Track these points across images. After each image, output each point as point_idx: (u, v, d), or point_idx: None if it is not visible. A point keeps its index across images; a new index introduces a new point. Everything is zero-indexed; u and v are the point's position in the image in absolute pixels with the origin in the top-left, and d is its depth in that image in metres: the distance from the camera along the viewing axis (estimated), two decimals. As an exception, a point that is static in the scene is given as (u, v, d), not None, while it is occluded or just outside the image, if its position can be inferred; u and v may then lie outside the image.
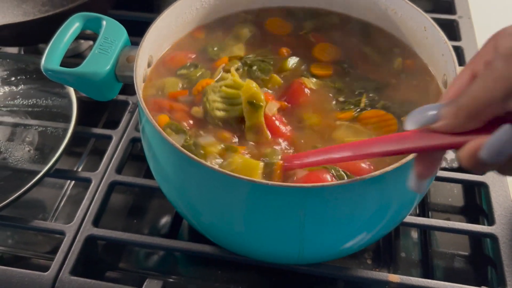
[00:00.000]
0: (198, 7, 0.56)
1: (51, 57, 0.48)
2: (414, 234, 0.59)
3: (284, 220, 0.41)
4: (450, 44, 0.48)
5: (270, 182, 0.38)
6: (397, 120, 0.48)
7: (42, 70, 0.47)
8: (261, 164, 0.43)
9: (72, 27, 0.50)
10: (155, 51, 0.52)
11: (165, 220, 0.61)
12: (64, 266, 0.51)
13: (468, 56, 0.72)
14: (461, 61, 0.72)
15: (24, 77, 0.67)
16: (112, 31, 0.50)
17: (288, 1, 0.60)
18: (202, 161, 0.39)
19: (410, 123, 0.33)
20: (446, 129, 0.32)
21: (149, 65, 0.51)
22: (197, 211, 0.46)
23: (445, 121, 0.31)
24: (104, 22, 0.51)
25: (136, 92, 0.44)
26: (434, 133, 0.33)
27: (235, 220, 0.44)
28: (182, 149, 0.39)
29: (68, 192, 0.65)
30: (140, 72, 0.47)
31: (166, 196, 0.50)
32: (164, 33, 0.53)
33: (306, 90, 0.50)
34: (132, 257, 0.58)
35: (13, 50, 0.81)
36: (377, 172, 0.38)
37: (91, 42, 0.84)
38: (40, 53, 0.81)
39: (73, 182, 0.65)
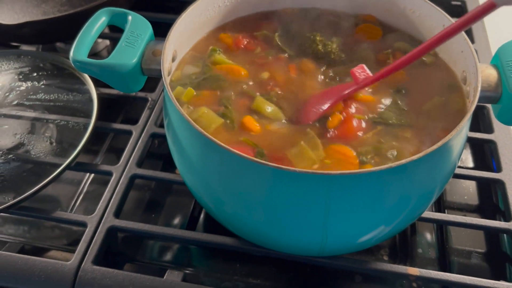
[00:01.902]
0: (220, 4, 0.57)
1: (79, 49, 0.49)
2: (431, 232, 0.60)
3: (308, 208, 0.41)
4: (469, 40, 0.49)
5: (295, 169, 0.39)
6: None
7: (71, 61, 0.48)
8: (221, 121, 0.47)
9: (99, 21, 0.52)
10: (179, 46, 0.53)
11: (182, 215, 0.61)
12: (87, 255, 0.52)
13: (482, 57, 0.73)
14: (475, 62, 0.74)
15: (45, 73, 0.68)
16: (138, 25, 0.52)
17: (306, 2, 0.62)
18: (227, 146, 0.40)
19: None
20: None
21: (173, 60, 0.52)
22: (220, 200, 0.47)
23: None
24: (130, 17, 0.52)
25: (164, 82, 0.45)
26: None
27: (259, 208, 0.44)
28: (208, 134, 0.40)
29: (86, 188, 0.65)
30: (166, 65, 0.48)
31: (188, 186, 0.51)
32: (188, 29, 0.54)
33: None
34: (149, 250, 0.58)
35: (31, 48, 0.82)
36: (403, 161, 0.39)
37: (107, 42, 0.86)
38: (57, 51, 0.83)
39: (90, 178, 0.66)
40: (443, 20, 0.52)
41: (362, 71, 0.48)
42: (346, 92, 0.48)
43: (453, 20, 0.51)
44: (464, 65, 0.50)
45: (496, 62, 0.49)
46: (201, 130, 0.41)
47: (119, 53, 0.49)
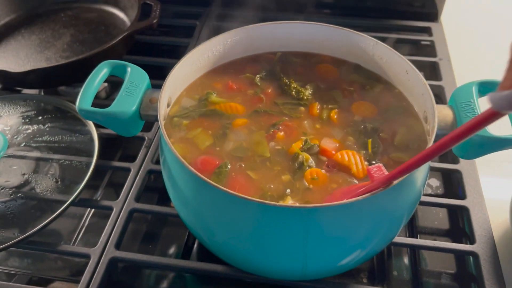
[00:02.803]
0: (210, 55, 0.64)
1: (84, 99, 0.55)
2: (405, 255, 0.65)
3: (289, 237, 0.47)
4: (428, 84, 0.55)
5: (277, 203, 0.45)
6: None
7: (77, 110, 0.54)
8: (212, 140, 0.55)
9: (101, 72, 0.58)
10: (173, 93, 0.60)
11: (177, 245, 0.66)
12: (91, 285, 0.56)
13: (448, 94, 0.80)
14: (442, 98, 0.81)
15: (49, 116, 0.74)
16: (136, 76, 0.58)
17: (287, 47, 0.69)
18: (216, 184, 0.46)
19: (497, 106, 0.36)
20: None
21: (168, 105, 0.59)
22: (211, 231, 0.52)
23: None
24: (129, 69, 0.59)
25: (160, 125, 0.51)
26: None
27: (246, 238, 0.50)
28: (199, 174, 0.46)
29: (87, 222, 0.70)
30: (162, 111, 0.54)
31: (182, 219, 0.56)
32: (180, 77, 0.61)
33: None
34: (146, 278, 0.63)
35: (34, 92, 0.88)
36: (368, 195, 0.45)
37: (105, 84, 0.92)
38: (59, 94, 0.89)
39: (91, 212, 0.71)
40: (405, 66, 0.59)
41: (378, 170, 0.47)
42: (363, 189, 0.48)
43: (412, 66, 0.58)
44: (424, 106, 0.57)
45: (452, 103, 0.56)
46: (194, 171, 0.47)
47: (120, 101, 0.55)
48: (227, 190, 0.45)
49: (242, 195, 0.45)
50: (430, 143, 0.50)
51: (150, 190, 0.73)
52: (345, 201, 0.45)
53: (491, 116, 0.37)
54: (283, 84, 0.64)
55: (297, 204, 0.48)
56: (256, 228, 0.48)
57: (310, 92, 0.63)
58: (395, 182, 0.45)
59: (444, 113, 0.55)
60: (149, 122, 0.77)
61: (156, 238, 0.68)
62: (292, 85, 0.63)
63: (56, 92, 0.89)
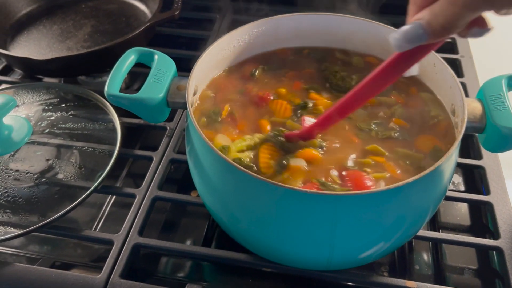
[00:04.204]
0: (235, 44, 0.64)
1: (112, 84, 0.55)
2: (426, 250, 0.65)
3: (317, 225, 0.47)
4: (456, 77, 0.55)
5: (306, 190, 0.45)
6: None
7: (105, 95, 0.54)
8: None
9: (129, 59, 0.58)
10: (199, 82, 0.60)
11: (197, 234, 0.66)
12: (114, 270, 0.57)
13: (470, 90, 0.80)
14: (465, 94, 0.80)
15: (72, 104, 0.74)
16: (163, 63, 0.58)
17: (306, 41, 0.69)
18: (244, 169, 0.45)
19: (402, 45, 0.40)
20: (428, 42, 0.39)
21: (194, 94, 0.59)
22: (236, 218, 0.52)
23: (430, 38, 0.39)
24: (156, 56, 0.59)
25: (189, 112, 0.51)
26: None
27: (271, 225, 0.50)
28: (226, 157, 0.46)
29: (107, 210, 0.71)
30: (190, 98, 0.54)
31: (207, 206, 0.56)
32: (207, 67, 0.61)
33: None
34: (167, 266, 0.63)
35: (55, 80, 0.88)
36: (399, 183, 0.45)
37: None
38: (79, 83, 0.90)
39: (111, 201, 0.71)
40: (433, 59, 0.59)
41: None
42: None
43: (441, 59, 0.58)
44: (452, 99, 0.56)
45: (481, 96, 0.56)
46: (222, 155, 0.47)
47: (148, 88, 0.55)
48: (254, 174, 0.45)
49: (269, 180, 0.45)
50: (460, 136, 0.50)
51: (170, 181, 0.73)
52: (375, 189, 0.45)
53: (397, 58, 0.43)
54: (328, 74, 0.64)
55: (326, 191, 0.47)
56: (282, 214, 0.48)
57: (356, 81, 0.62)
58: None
59: (472, 106, 0.54)
60: (171, 113, 0.78)
61: (176, 228, 0.68)
62: (338, 75, 0.63)
63: (75, 81, 0.90)
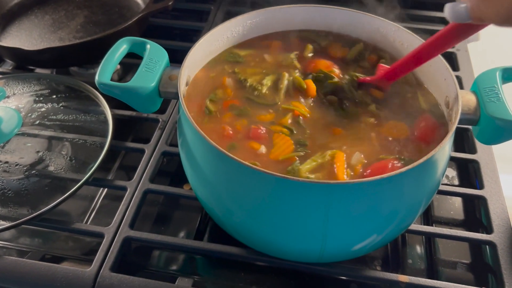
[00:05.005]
0: (229, 35, 0.63)
1: (104, 73, 0.54)
2: (420, 244, 0.65)
3: (310, 214, 0.46)
4: (451, 69, 0.55)
5: (299, 179, 0.44)
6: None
7: (96, 84, 0.53)
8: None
9: (120, 48, 0.57)
10: (191, 72, 0.59)
11: (189, 227, 0.66)
12: (104, 263, 0.56)
13: (466, 84, 0.80)
14: (460, 87, 0.80)
15: (63, 95, 0.73)
16: (156, 53, 0.57)
17: (305, 25, 0.68)
18: (235, 157, 0.45)
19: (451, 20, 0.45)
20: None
21: (186, 84, 0.58)
22: (229, 209, 0.52)
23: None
24: (148, 46, 0.58)
25: (181, 102, 0.50)
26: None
27: (264, 216, 0.49)
28: (219, 147, 0.46)
29: (99, 203, 0.70)
30: (182, 88, 0.53)
31: (199, 198, 0.56)
32: (199, 57, 0.60)
33: None
34: (158, 259, 0.63)
35: (46, 71, 0.87)
36: (392, 173, 0.44)
37: (118, 67, 0.91)
38: (71, 74, 0.88)
39: (103, 194, 0.71)
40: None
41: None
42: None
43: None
44: (446, 91, 0.56)
45: (475, 89, 0.55)
46: (214, 144, 0.46)
47: (140, 77, 0.54)
48: (246, 162, 0.44)
49: (261, 169, 0.44)
50: (454, 127, 0.49)
51: (162, 174, 0.72)
52: (369, 178, 0.44)
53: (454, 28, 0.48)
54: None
55: (319, 180, 0.47)
56: (275, 204, 0.47)
57: None
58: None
59: (467, 98, 0.54)
60: (163, 105, 0.77)
61: (168, 221, 0.67)
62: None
63: (67, 72, 0.88)
